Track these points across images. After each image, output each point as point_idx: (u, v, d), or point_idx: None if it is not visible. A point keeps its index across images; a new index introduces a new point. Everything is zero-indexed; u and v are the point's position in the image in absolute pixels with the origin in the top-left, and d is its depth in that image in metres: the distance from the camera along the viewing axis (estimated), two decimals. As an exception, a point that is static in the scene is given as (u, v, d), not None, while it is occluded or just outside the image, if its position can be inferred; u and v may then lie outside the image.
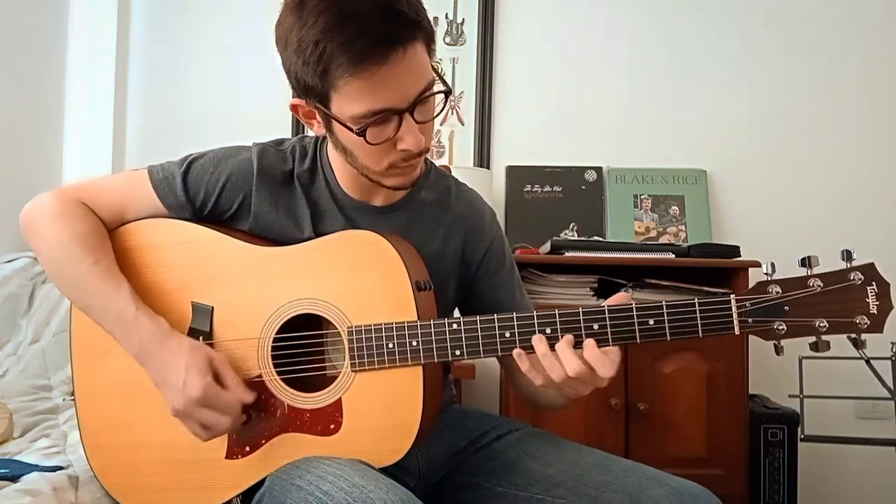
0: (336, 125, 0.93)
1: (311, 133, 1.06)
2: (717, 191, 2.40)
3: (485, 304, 1.14)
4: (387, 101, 0.89)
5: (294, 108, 0.98)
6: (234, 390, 0.94)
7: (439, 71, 0.96)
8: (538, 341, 0.90)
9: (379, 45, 0.85)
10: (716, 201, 2.40)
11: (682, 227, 2.33)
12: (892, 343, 1.65)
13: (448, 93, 0.95)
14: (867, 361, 1.63)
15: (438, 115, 0.97)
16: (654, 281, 2.00)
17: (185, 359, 0.93)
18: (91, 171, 2.31)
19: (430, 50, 0.93)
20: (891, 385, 1.67)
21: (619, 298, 0.92)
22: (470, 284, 1.15)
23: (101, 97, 2.40)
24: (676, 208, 2.35)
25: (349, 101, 0.89)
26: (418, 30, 0.88)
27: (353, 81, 0.87)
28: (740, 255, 2.01)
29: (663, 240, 2.31)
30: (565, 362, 0.88)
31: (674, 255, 1.99)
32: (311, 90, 0.91)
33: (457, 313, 1.15)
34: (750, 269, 1.95)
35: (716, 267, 2.00)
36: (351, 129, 0.91)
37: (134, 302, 0.97)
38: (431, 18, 2.37)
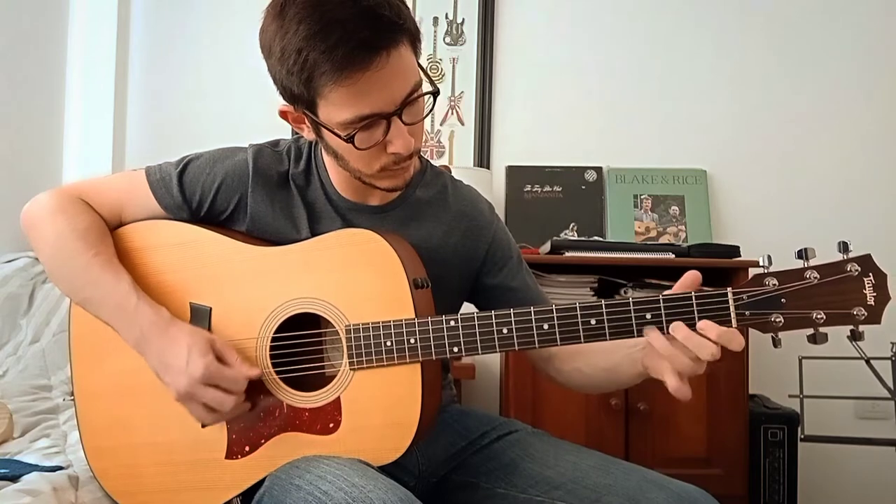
0: (325, 131, 0.93)
1: (305, 134, 1.06)
2: (717, 191, 2.40)
3: (498, 297, 1.13)
4: (373, 107, 0.88)
5: (283, 114, 0.98)
6: (238, 367, 0.94)
7: (428, 70, 0.95)
8: (655, 338, 0.87)
9: (361, 51, 0.84)
10: (716, 201, 2.40)
11: (682, 227, 2.33)
12: (892, 343, 1.66)
13: (436, 93, 0.94)
14: (867, 361, 1.63)
15: (428, 114, 0.97)
16: (654, 281, 2.01)
17: (186, 341, 0.93)
18: (91, 171, 2.31)
19: (416, 50, 0.92)
20: (891, 385, 1.68)
21: (688, 279, 0.89)
22: (479, 280, 1.14)
23: (101, 97, 2.40)
24: (676, 208, 2.35)
25: (335, 107, 0.89)
26: (401, 32, 0.87)
27: (338, 89, 0.86)
28: (740, 255, 2.01)
29: (663, 240, 2.31)
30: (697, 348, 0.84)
31: (674, 255, 2.00)
32: (298, 98, 0.91)
33: (465, 309, 1.15)
34: (750, 269, 1.95)
35: (716, 267, 2.00)
36: (339, 136, 0.91)
37: (135, 292, 0.97)
38: (431, 19, 2.42)
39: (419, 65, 0.93)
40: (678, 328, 0.86)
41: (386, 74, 0.86)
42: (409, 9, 0.90)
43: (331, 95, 0.88)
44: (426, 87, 0.93)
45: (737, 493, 1.91)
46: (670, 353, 0.86)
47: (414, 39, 0.91)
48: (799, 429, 1.80)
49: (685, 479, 0.96)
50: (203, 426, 0.99)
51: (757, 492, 1.96)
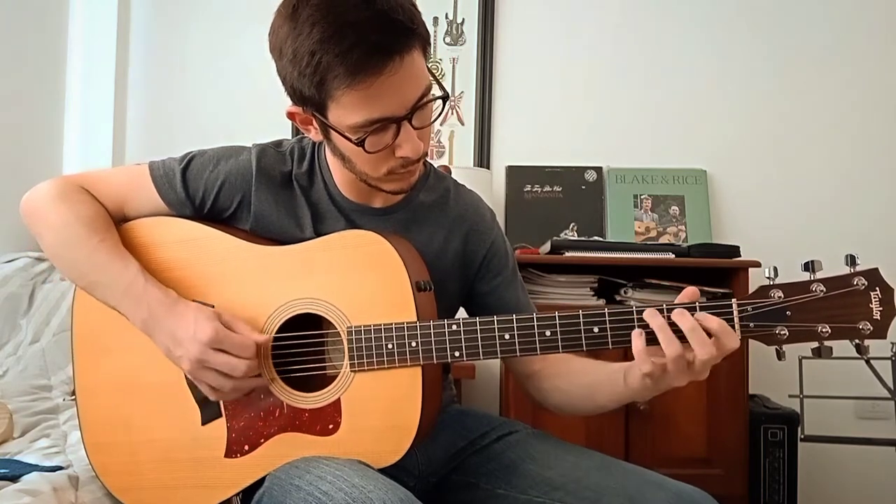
0: (334, 134, 0.93)
1: (309, 133, 1.06)
2: (717, 191, 2.40)
3: (488, 305, 1.13)
4: (384, 111, 0.89)
5: (291, 115, 0.98)
6: (247, 334, 0.94)
7: (437, 74, 0.95)
8: (652, 315, 0.85)
9: (375, 55, 0.84)
10: (716, 201, 2.40)
11: (682, 227, 2.33)
12: (893, 343, 1.66)
13: (445, 98, 0.95)
14: (867, 361, 1.63)
15: (437, 118, 0.97)
16: (654, 281, 2.01)
17: (193, 313, 0.94)
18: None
19: (427, 54, 0.92)
20: (891, 385, 1.68)
21: (688, 294, 0.89)
22: (473, 285, 1.14)
23: (101, 97, 2.40)
24: (676, 208, 2.35)
25: (346, 111, 0.89)
26: (414, 37, 0.88)
27: (350, 92, 0.86)
28: (740, 255, 2.01)
29: (663, 240, 2.31)
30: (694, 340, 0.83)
31: (674, 255, 2.00)
32: (308, 100, 0.91)
33: (461, 314, 1.15)
34: (750, 270, 1.95)
35: (716, 267, 2.00)
36: (349, 139, 0.91)
37: (143, 275, 0.98)
38: (431, 19, 2.43)
39: (429, 69, 0.93)
40: (681, 315, 0.84)
41: (398, 79, 0.86)
42: (420, 13, 0.91)
43: (343, 99, 0.88)
44: (436, 90, 0.93)
45: (737, 493, 1.90)
46: (665, 336, 0.84)
47: (425, 44, 0.91)
48: (799, 429, 1.80)
49: (685, 479, 0.96)
50: (204, 423, 0.99)
51: (757, 492, 1.96)
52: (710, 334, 0.84)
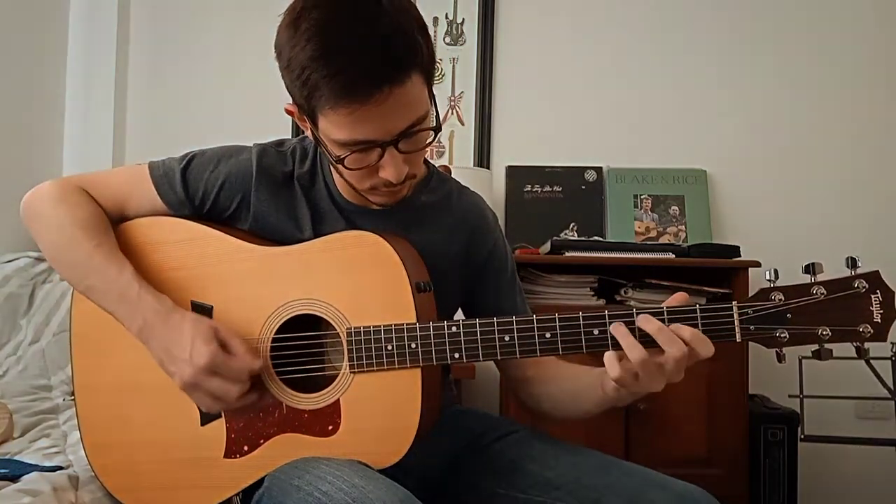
0: (321, 142, 0.94)
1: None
2: (717, 191, 2.40)
3: (486, 308, 1.13)
4: (368, 135, 0.88)
5: (289, 112, 0.98)
6: (242, 357, 0.93)
7: (437, 74, 0.94)
8: (616, 327, 0.87)
9: (362, 84, 0.84)
10: (716, 201, 2.40)
11: (682, 227, 2.33)
12: (893, 343, 1.66)
13: (437, 130, 0.94)
14: (867, 362, 1.63)
15: (427, 146, 0.96)
16: (654, 281, 2.01)
17: (189, 330, 0.93)
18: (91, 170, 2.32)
19: (429, 79, 0.91)
20: (891, 385, 1.68)
21: (677, 299, 0.90)
22: (472, 287, 1.14)
23: (101, 97, 2.40)
24: (676, 208, 2.35)
25: (333, 126, 0.89)
26: (409, 67, 0.86)
27: (333, 114, 0.87)
28: (740, 255, 2.01)
29: (663, 240, 2.31)
30: (666, 344, 0.84)
31: (674, 255, 2.00)
32: (300, 106, 0.92)
33: (458, 316, 1.15)
34: (750, 270, 1.95)
35: (716, 267, 2.00)
36: (331, 154, 0.92)
37: (137, 281, 0.97)
38: (431, 19, 2.42)
39: (431, 94, 0.92)
40: (647, 320, 0.86)
41: (385, 108, 0.86)
42: (427, 37, 0.89)
43: (329, 115, 0.88)
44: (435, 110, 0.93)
45: (737, 493, 1.91)
46: (627, 343, 0.85)
47: (426, 71, 0.90)
48: (799, 429, 1.80)
49: (685, 479, 0.96)
50: (203, 424, 0.99)
51: (757, 492, 1.96)
52: (685, 343, 0.85)
